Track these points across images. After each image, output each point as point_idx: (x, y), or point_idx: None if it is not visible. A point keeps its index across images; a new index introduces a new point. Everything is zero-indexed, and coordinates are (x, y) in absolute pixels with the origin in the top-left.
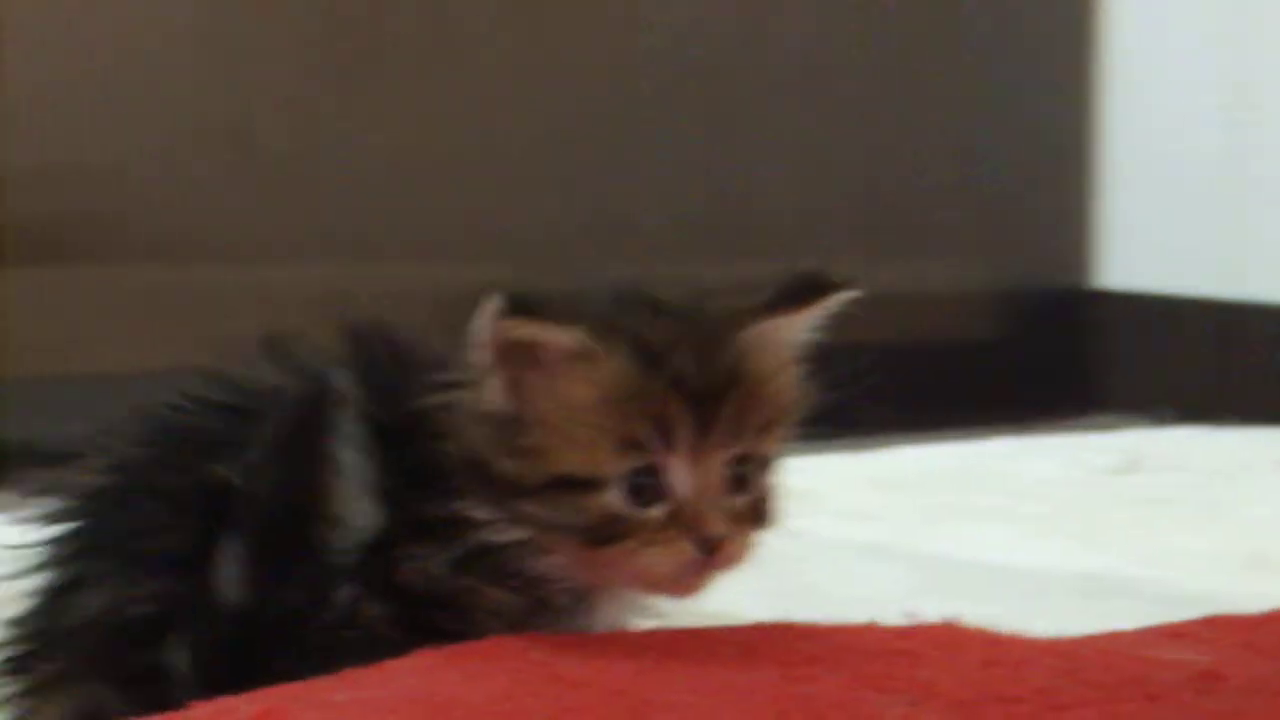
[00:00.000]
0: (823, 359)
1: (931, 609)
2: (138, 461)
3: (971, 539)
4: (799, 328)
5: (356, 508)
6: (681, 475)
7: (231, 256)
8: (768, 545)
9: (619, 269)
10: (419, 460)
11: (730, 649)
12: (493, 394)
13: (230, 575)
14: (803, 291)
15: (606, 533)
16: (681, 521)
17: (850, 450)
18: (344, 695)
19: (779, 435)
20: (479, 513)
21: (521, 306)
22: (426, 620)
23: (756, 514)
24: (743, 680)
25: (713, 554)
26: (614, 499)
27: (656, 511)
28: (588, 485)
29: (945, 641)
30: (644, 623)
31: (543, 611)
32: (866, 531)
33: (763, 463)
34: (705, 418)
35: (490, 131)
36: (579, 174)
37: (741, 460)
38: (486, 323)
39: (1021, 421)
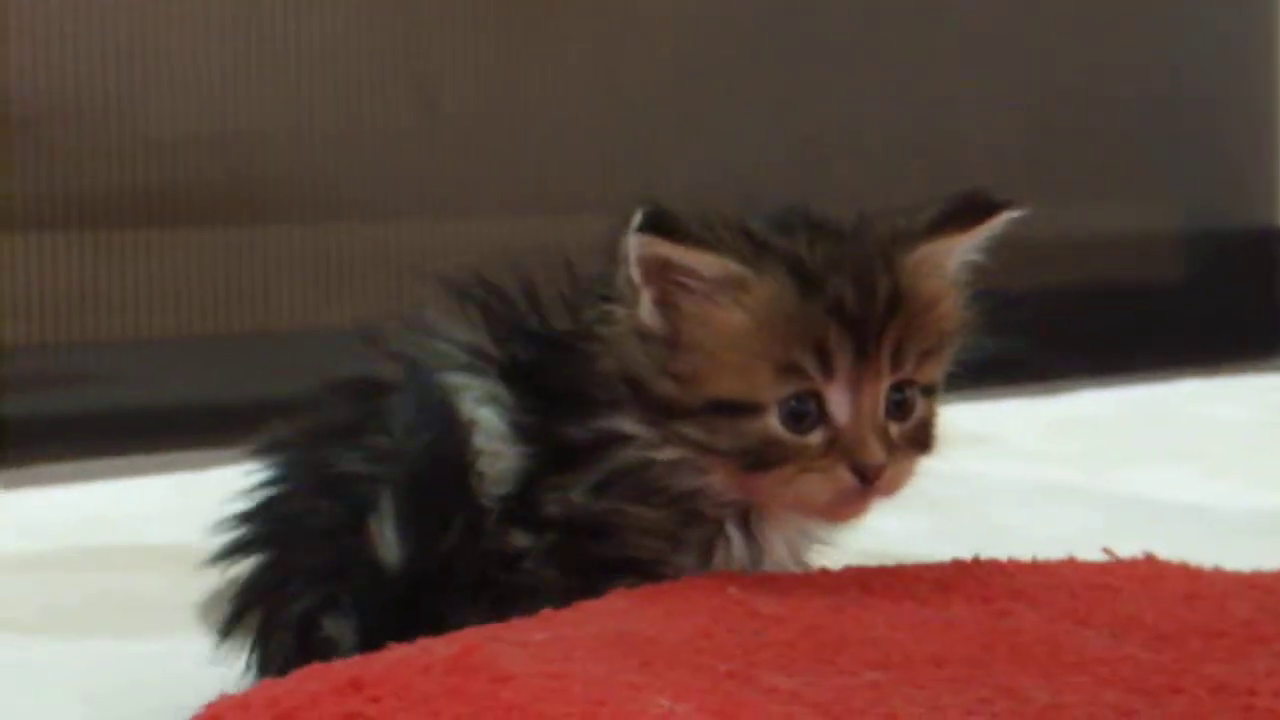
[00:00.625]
0: (1007, 304)
1: (1123, 548)
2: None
3: (1160, 480)
4: (963, 250)
5: (497, 457)
6: (841, 402)
7: (410, 213)
8: (950, 486)
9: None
10: (559, 387)
11: (927, 586)
12: (646, 313)
13: (389, 539)
14: (966, 213)
15: (765, 457)
16: (840, 448)
17: (1035, 395)
18: (542, 635)
19: (941, 361)
20: (631, 428)
21: (662, 224)
22: (578, 550)
23: (917, 440)
24: (942, 616)
25: (871, 482)
26: (773, 424)
27: (815, 437)
28: (746, 410)
29: (1146, 576)
30: (813, 550)
31: (696, 527)
32: (1054, 473)
33: (925, 389)
34: (865, 343)
35: (666, 85)
36: (764, 121)
37: (903, 386)
38: (631, 241)
39: (1208, 364)
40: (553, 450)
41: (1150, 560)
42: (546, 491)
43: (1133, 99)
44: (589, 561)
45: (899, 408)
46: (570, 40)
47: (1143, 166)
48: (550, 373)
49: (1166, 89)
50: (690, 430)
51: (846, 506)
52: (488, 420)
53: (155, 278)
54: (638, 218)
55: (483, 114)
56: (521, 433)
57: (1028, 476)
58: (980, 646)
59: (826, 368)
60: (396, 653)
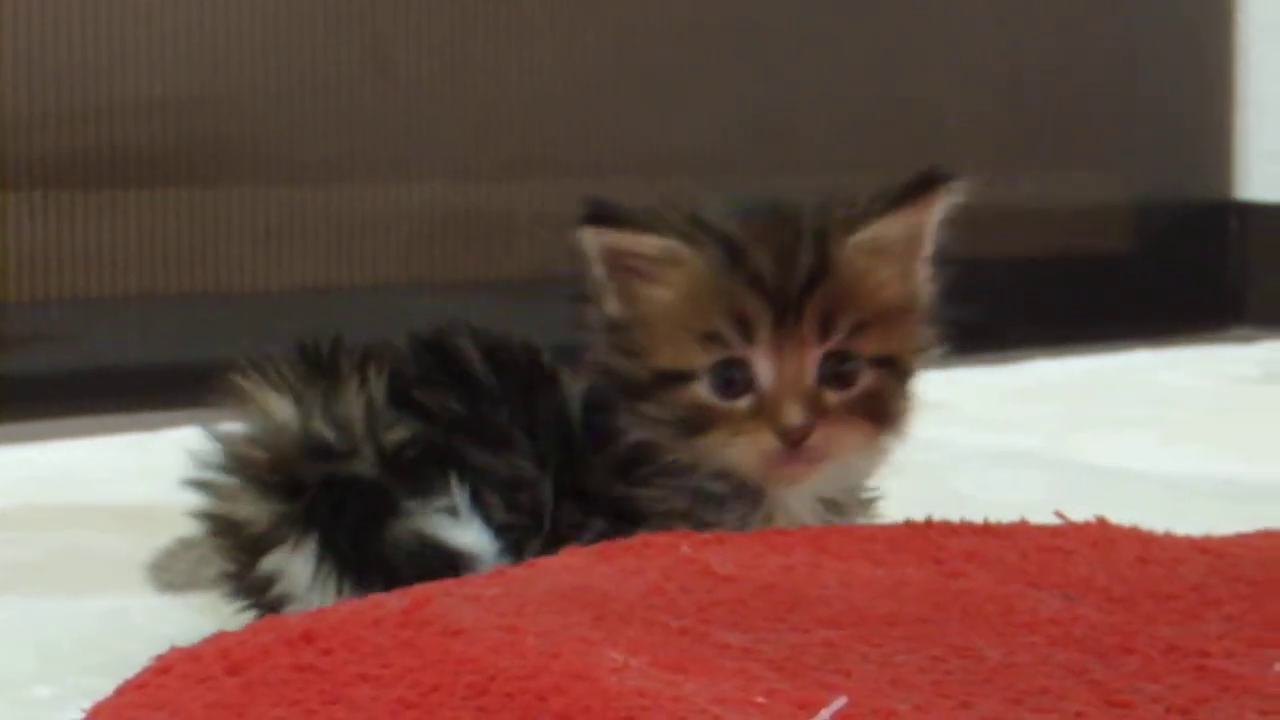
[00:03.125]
0: (962, 273)
1: (1076, 514)
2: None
3: (1113, 447)
4: (900, 228)
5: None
6: (765, 368)
7: (363, 175)
8: (900, 449)
9: (772, 182)
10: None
11: (880, 547)
12: (610, 303)
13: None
14: (910, 189)
15: (698, 423)
16: (765, 413)
17: (990, 364)
18: (494, 590)
19: (892, 336)
20: (620, 420)
21: (602, 214)
22: (611, 518)
23: (868, 412)
24: (895, 576)
25: (795, 444)
26: (702, 391)
27: (743, 403)
28: (681, 378)
29: (1098, 539)
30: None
31: (715, 509)
32: (1009, 441)
33: (880, 362)
34: (785, 312)
35: (626, 49)
36: (729, 86)
37: (844, 357)
38: (583, 237)
39: (1161, 334)
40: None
41: (1102, 524)
42: (581, 470)
43: (1087, 71)
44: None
45: (839, 378)
46: (528, 1)
47: (1097, 139)
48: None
49: (1121, 61)
50: (649, 407)
51: (776, 468)
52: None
53: (109, 238)
54: (579, 213)
55: (437, 76)
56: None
57: (984, 443)
58: (932, 606)
59: (747, 335)
60: (349, 606)
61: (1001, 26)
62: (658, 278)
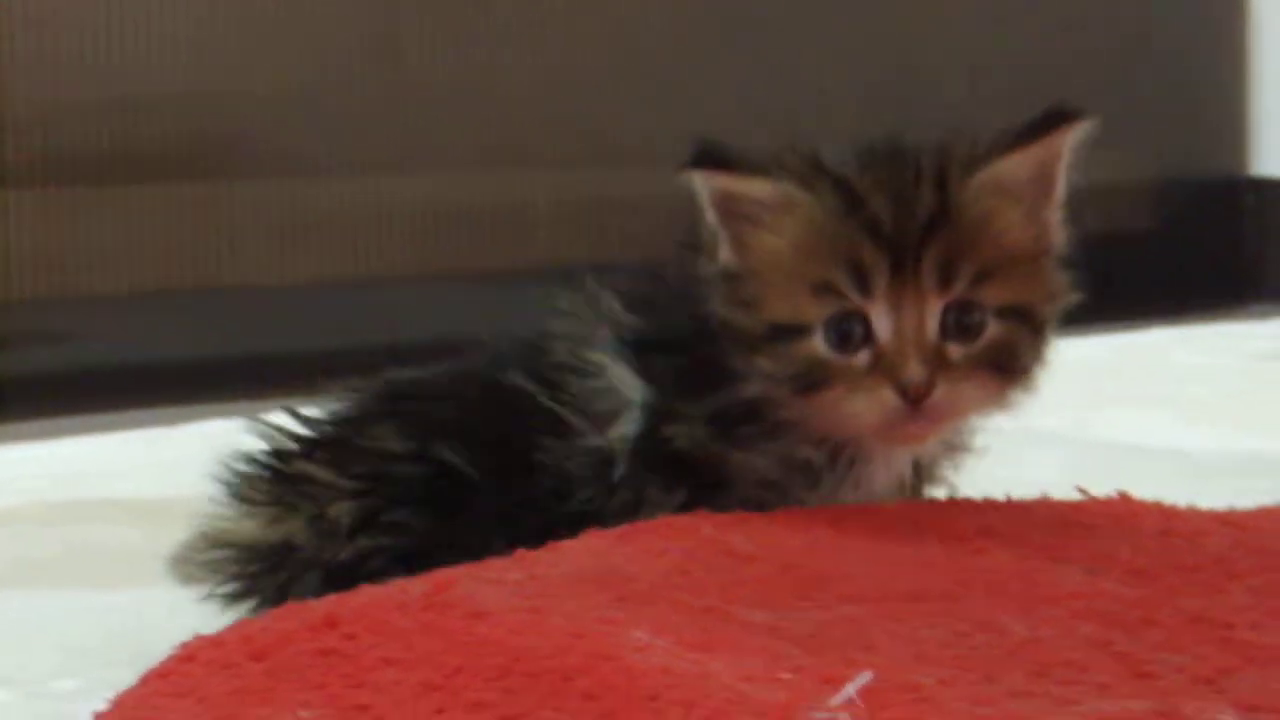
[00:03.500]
0: None
1: (1098, 490)
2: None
3: (1132, 425)
4: (1027, 167)
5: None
6: (883, 320)
7: (374, 169)
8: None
9: None
10: (681, 337)
11: (902, 524)
12: (722, 251)
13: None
14: (1034, 127)
15: (813, 379)
16: (884, 367)
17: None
18: (517, 574)
19: (1022, 284)
20: (730, 367)
21: (713, 156)
22: (694, 488)
23: (995, 364)
24: (917, 553)
25: (917, 401)
26: (818, 345)
27: (861, 358)
28: (796, 332)
29: (1120, 514)
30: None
31: (804, 479)
32: (1030, 419)
33: (1009, 312)
34: (903, 261)
35: (635, 40)
36: (732, 80)
37: (968, 307)
38: (693, 180)
39: (1178, 312)
40: (678, 379)
41: (1124, 499)
42: (675, 422)
43: (1100, 48)
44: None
45: (963, 330)
46: None
47: (1112, 116)
48: (673, 312)
49: (1135, 37)
50: (763, 362)
51: (896, 428)
52: (617, 371)
53: (121, 234)
54: (694, 159)
55: (448, 69)
56: (646, 372)
57: (1004, 422)
58: (955, 582)
59: (864, 286)
60: (371, 591)
61: (1011, 3)
62: (770, 225)
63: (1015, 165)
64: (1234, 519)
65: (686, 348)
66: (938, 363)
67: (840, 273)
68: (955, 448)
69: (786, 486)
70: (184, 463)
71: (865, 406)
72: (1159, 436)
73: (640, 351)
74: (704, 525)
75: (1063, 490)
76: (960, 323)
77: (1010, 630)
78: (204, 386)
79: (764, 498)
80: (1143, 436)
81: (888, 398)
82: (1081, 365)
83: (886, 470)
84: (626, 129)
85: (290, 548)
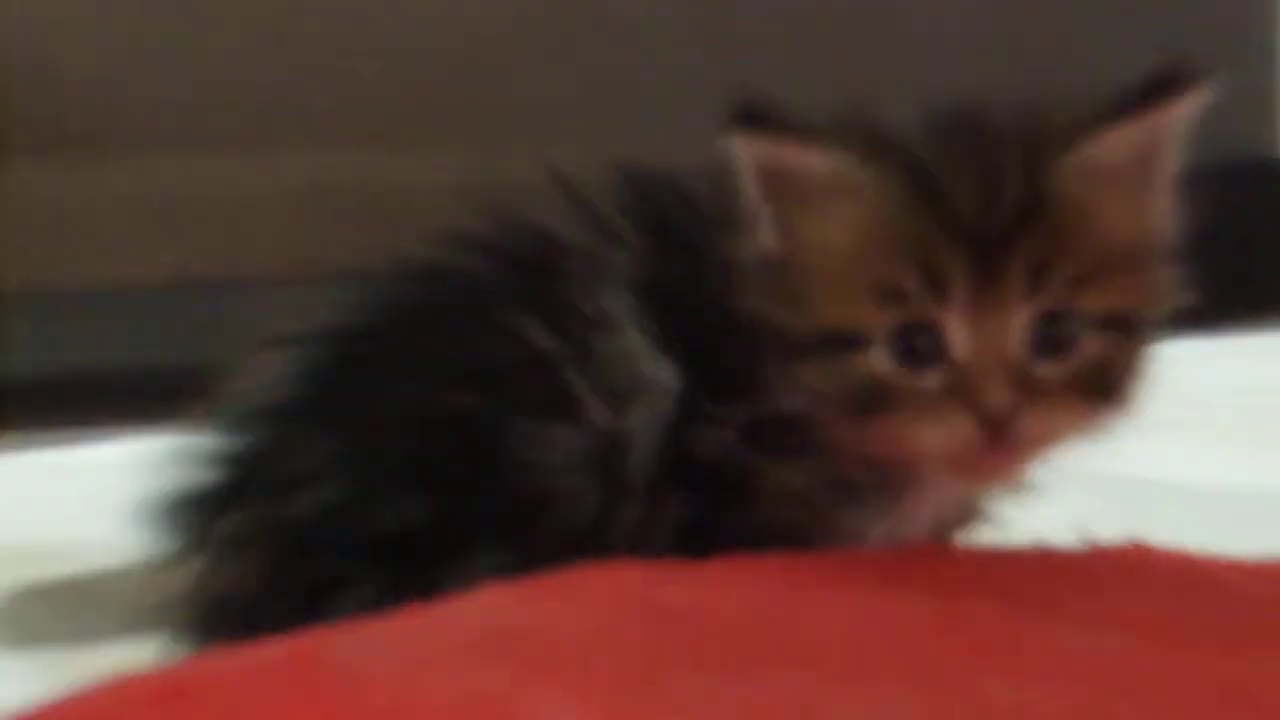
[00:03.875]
0: None
1: (1106, 530)
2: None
3: (1150, 455)
4: (1134, 145)
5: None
6: (960, 334)
7: (215, 148)
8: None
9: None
10: (714, 317)
11: (868, 576)
12: (765, 234)
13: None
14: (1142, 95)
15: (872, 402)
16: (960, 391)
17: None
18: (397, 634)
19: (1128, 287)
20: (769, 372)
21: (759, 117)
22: (716, 502)
23: (1091, 385)
24: (888, 609)
25: (1000, 431)
26: (879, 360)
27: (932, 379)
28: (851, 343)
29: (1131, 565)
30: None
31: (844, 500)
32: None
33: (1108, 322)
34: (989, 261)
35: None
36: (665, 32)
37: (1058, 317)
38: (734, 145)
39: (1201, 319)
40: (706, 371)
41: (1137, 547)
42: (701, 426)
43: (1114, 16)
44: (723, 521)
45: (1054, 344)
46: None
47: (1120, 93)
48: (699, 306)
49: (1151, 5)
50: (808, 373)
51: (974, 463)
52: (633, 335)
53: None
54: (736, 117)
55: (331, 40)
56: (674, 359)
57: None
58: (932, 644)
59: (938, 291)
60: (222, 653)
61: None
62: (823, 208)
63: (1120, 142)
64: (1270, 571)
65: (719, 327)
66: (1025, 385)
67: (910, 274)
68: (1021, 483)
69: (824, 507)
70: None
71: (936, 436)
72: (1180, 469)
73: (663, 308)
74: (629, 578)
75: (1063, 535)
76: (1051, 336)
77: (995, 699)
78: (50, 409)
79: (794, 518)
80: (1160, 469)
81: (964, 427)
82: None
83: (940, 502)
84: (538, 98)
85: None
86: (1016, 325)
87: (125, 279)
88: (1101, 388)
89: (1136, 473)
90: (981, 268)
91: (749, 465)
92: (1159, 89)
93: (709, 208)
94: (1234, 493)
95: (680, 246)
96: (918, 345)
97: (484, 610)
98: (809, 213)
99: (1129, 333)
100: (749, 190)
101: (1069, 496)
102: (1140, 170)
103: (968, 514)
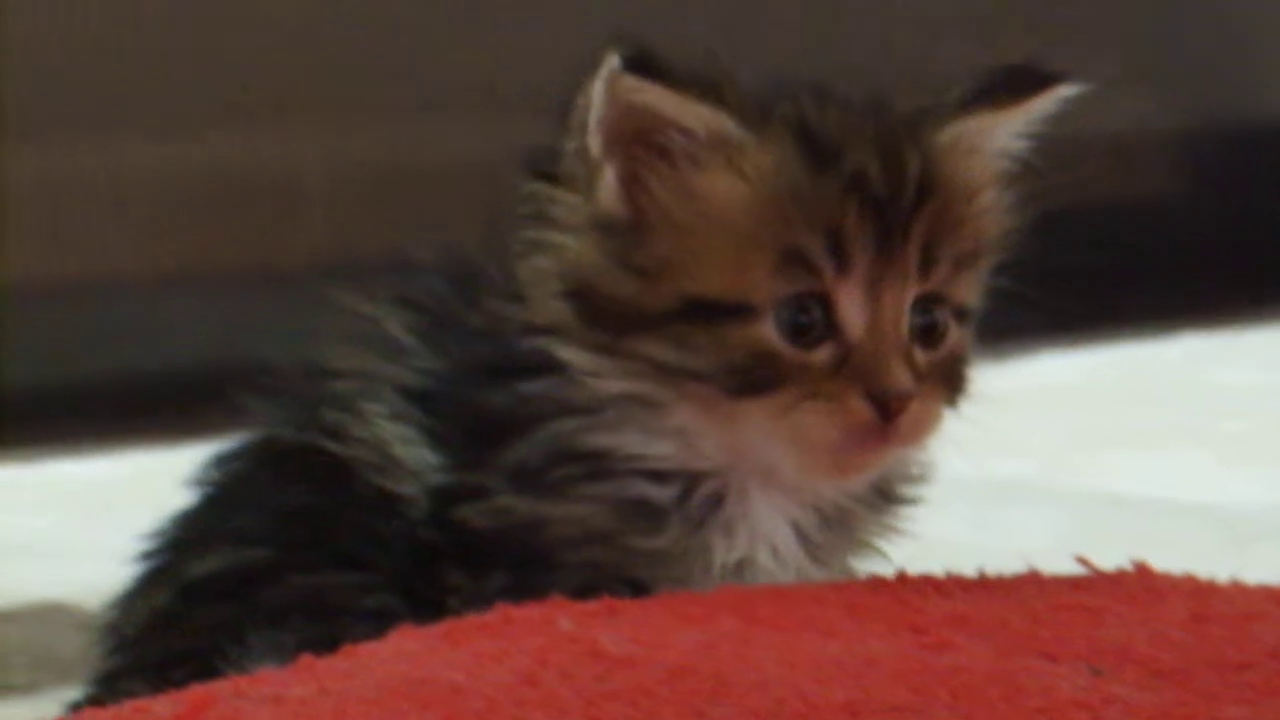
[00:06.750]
0: None
1: (1104, 559)
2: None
3: (1152, 471)
4: (1006, 132)
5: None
6: (854, 308)
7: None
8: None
9: None
10: (478, 358)
11: (835, 612)
12: (605, 192)
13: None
14: (1009, 86)
15: (755, 378)
16: (853, 369)
17: (985, 359)
18: (302, 689)
19: (978, 278)
20: (571, 355)
21: (649, 65)
22: (513, 568)
23: (948, 381)
24: (858, 651)
25: (893, 416)
26: (767, 333)
27: (821, 354)
28: (733, 313)
29: (1136, 593)
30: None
31: (640, 525)
32: (1009, 467)
33: (959, 312)
34: (892, 231)
35: None
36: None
37: (931, 303)
38: (601, 87)
39: (1214, 314)
40: (468, 441)
41: (1142, 572)
42: (467, 501)
43: None
44: (514, 589)
45: (927, 332)
46: None
47: (1130, 48)
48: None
49: None
50: (652, 347)
51: (856, 451)
52: (397, 431)
53: None
54: (613, 59)
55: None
56: (435, 433)
57: (980, 472)
58: (910, 690)
59: (841, 260)
60: (107, 714)
61: None
62: (706, 166)
63: (987, 129)
64: None
65: (492, 379)
66: (915, 368)
67: (815, 239)
68: (886, 499)
69: (624, 539)
70: None
71: (828, 418)
72: (1188, 485)
73: (430, 407)
74: (559, 617)
75: (1058, 561)
76: (926, 322)
77: None
78: None
79: (599, 559)
80: (1166, 486)
81: (859, 408)
82: (1081, 390)
83: (774, 517)
84: (431, 72)
85: None
86: (907, 306)
87: None
88: (957, 383)
89: (1136, 490)
90: (885, 242)
91: (530, 517)
92: (1022, 85)
93: (480, 277)
94: (1249, 511)
95: (447, 340)
96: (808, 319)
97: (398, 657)
98: (685, 172)
99: (968, 327)
100: (591, 147)
101: (1057, 517)
102: (997, 163)
103: (849, 537)
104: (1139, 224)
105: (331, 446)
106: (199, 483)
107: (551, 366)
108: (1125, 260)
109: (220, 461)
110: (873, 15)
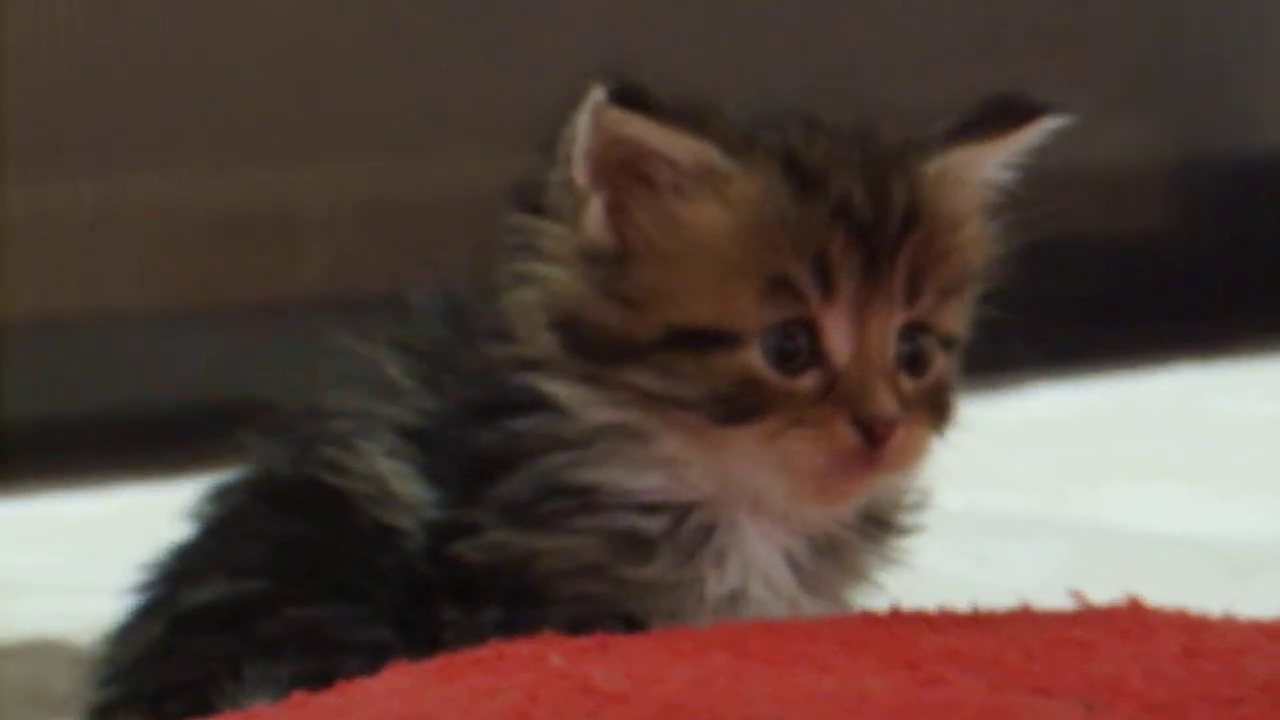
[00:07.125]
0: None
1: (1098, 593)
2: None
3: (1143, 503)
4: (991, 164)
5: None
6: (841, 335)
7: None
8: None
9: None
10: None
11: (829, 648)
12: (592, 223)
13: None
14: (996, 118)
15: (741, 406)
16: (839, 396)
17: (977, 392)
18: None
19: (963, 307)
20: (557, 388)
21: (634, 98)
22: (507, 603)
23: (934, 409)
24: (852, 687)
25: (880, 443)
26: (754, 360)
27: (807, 381)
28: (718, 340)
29: (1130, 628)
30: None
31: (631, 557)
32: (1005, 500)
33: (945, 341)
34: (878, 259)
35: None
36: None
37: (917, 331)
38: (587, 120)
39: (1213, 345)
40: (462, 478)
41: (1135, 607)
42: (461, 536)
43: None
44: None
45: (913, 359)
46: None
47: (1126, 78)
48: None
49: None
50: (639, 376)
51: (843, 477)
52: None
53: None
54: (599, 92)
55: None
56: (431, 471)
57: (975, 505)
58: None
59: (827, 286)
60: None
61: None
62: (690, 195)
63: (974, 160)
64: None
65: (484, 418)
66: (901, 395)
67: (802, 267)
68: (882, 528)
69: (616, 570)
70: None
71: (814, 445)
72: (1184, 518)
73: (426, 446)
74: (551, 654)
75: (1051, 595)
76: (912, 349)
77: None
78: None
79: (591, 592)
80: (1161, 518)
81: (846, 434)
82: (1078, 422)
83: (765, 546)
84: (431, 107)
85: None
86: (892, 331)
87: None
88: (943, 411)
89: (1131, 523)
90: (870, 268)
91: (522, 551)
92: (1010, 116)
93: (475, 316)
94: (1245, 544)
95: (443, 382)
96: (794, 345)
97: (389, 695)
98: (670, 202)
99: (953, 356)
100: (577, 179)
101: (1051, 551)
102: (984, 194)
103: (843, 568)
104: (1136, 255)
105: (329, 480)
106: (196, 516)
107: (541, 403)
108: (1120, 291)
109: (217, 494)
110: (863, 44)
